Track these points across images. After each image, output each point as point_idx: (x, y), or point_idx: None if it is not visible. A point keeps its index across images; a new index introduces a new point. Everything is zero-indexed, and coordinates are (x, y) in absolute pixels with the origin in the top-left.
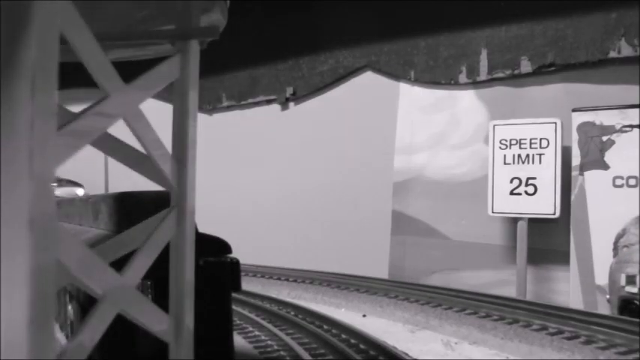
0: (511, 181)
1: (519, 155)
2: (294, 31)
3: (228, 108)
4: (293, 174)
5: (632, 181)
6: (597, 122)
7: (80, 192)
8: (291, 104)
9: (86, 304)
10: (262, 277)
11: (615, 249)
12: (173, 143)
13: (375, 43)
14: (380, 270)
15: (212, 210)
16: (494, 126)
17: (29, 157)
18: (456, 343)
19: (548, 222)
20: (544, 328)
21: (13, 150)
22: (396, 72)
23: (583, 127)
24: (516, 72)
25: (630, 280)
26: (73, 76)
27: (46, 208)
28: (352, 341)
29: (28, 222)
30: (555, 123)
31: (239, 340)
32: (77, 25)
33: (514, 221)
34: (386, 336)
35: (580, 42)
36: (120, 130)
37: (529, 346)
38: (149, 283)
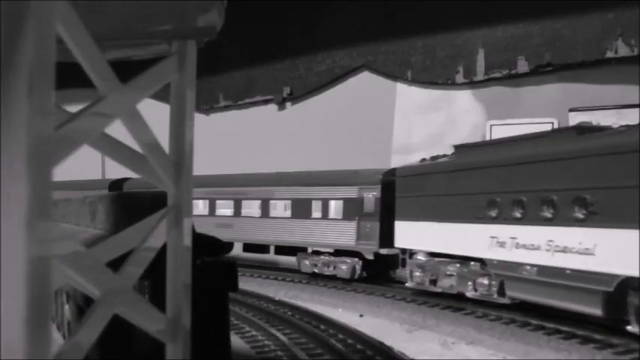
0: None
1: None
2: (291, 31)
3: (226, 108)
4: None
5: None
6: (594, 122)
7: None
8: (288, 104)
9: (83, 304)
10: (259, 277)
11: None
12: (170, 143)
13: (372, 42)
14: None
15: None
16: (491, 126)
17: (26, 157)
18: (453, 343)
19: None
20: (541, 327)
21: (10, 149)
22: (393, 72)
23: None
24: (513, 72)
25: None
26: (71, 75)
27: (43, 208)
28: (349, 341)
29: (26, 222)
30: (552, 123)
31: (236, 340)
32: (74, 24)
33: None
34: (383, 336)
35: (577, 42)
36: (119, 130)
37: (526, 346)
38: (146, 283)
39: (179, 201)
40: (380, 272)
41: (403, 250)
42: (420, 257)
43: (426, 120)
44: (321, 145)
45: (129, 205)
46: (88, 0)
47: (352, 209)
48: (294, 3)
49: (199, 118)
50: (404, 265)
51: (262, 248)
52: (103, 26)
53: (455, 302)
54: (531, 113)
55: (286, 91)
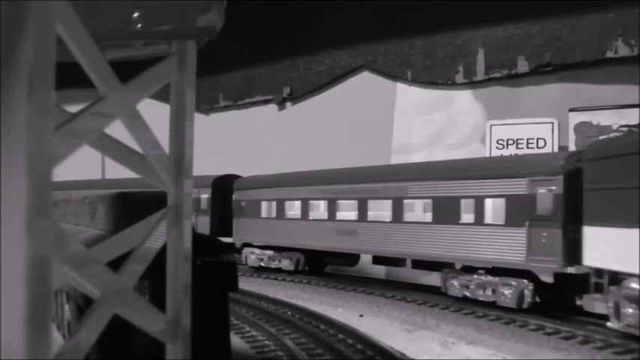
0: None
1: (516, 155)
2: (291, 31)
3: (226, 108)
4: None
5: None
6: (594, 122)
7: None
8: (288, 104)
9: (83, 304)
10: (259, 277)
11: None
12: (170, 143)
13: (371, 42)
14: (377, 269)
15: None
16: (491, 126)
17: (26, 157)
18: (453, 343)
19: None
20: (541, 327)
21: (10, 149)
22: (393, 72)
23: (580, 127)
24: (513, 72)
25: None
26: (71, 75)
27: (43, 208)
28: (349, 341)
29: (26, 222)
30: (552, 123)
31: (236, 340)
32: (74, 25)
33: None
34: (383, 336)
35: (577, 42)
36: (117, 130)
37: (526, 346)
38: (146, 283)
39: (179, 201)
40: (561, 300)
41: (598, 272)
42: (634, 285)
43: (426, 120)
44: (320, 144)
45: (129, 205)
46: (88, 0)
47: (520, 210)
48: (294, 3)
49: (199, 118)
50: (598, 291)
51: (396, 260)
52: (103, 26)
53: (455, 302)
54: (531, 113)
55: (286, 91)
